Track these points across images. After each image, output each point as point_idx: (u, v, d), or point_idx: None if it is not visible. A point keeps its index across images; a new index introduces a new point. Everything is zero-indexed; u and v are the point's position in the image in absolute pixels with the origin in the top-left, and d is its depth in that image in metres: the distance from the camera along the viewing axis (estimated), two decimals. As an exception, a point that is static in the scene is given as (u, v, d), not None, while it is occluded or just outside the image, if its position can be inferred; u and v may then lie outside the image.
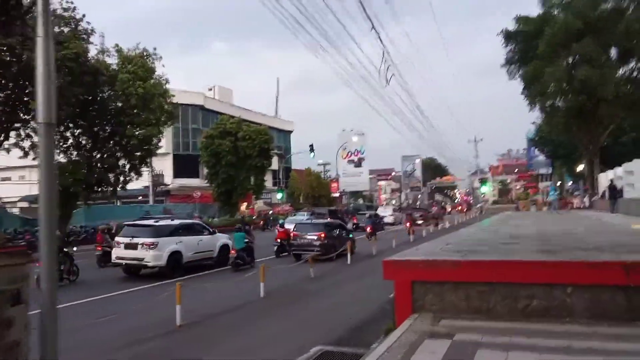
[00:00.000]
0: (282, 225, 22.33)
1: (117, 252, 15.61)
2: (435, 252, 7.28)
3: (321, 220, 23.75)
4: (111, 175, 27.34)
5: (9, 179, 48.51)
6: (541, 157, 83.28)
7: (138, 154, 28.02)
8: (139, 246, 14.90)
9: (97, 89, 25.08)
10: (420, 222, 39.54)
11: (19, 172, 47.74)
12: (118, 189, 28.37)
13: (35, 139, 24.83)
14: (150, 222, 17.13)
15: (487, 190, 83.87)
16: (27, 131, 24.05)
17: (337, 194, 67.60)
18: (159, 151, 48.39)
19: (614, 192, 21.98)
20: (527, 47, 32.49)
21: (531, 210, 42.08)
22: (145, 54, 27.42)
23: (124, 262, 15.25)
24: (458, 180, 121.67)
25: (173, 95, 29.25)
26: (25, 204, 39.55)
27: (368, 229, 25.74)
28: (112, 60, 26.80)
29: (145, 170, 35.59)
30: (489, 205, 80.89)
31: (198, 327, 8.76)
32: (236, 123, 40.36)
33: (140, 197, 46.57)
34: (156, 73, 27.98)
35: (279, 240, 20.74)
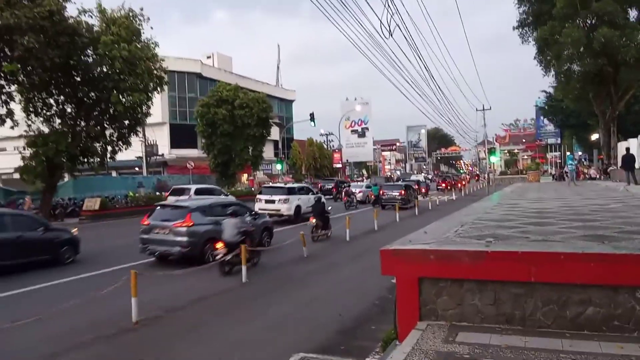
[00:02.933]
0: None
1: (259, 206, 20.84)
2: (449, 237, 5.67)
3: (399, 183, 36.16)
4: (98, 145, 25.72)
5: (4, 149, 47.06)
6: (550, 127, 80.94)
7: (126, 122, 26.38)
8: (276, 201, 21.05)
9: (77, 52, 23.20)
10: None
11: (14, 143, 46.24)
12: (107, 159, 26.78)
13: (13, 105, 23.20)
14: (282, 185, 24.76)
15: (496, 160, 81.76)
16: (3, 98, 22.38)
17: (339, 165, 65.98)
18: (154, 121, 47.03)
19: (631, 162, 20.06)
20: (541, 8, 30.25)
21: (541, 181, 40.35)
22: (131, 14, 25.39)
23: (266, 212, 18.68)
24: (463, 151, 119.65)
25: (163, 60, 27.29)
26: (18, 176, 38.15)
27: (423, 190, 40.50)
28: (95, 22, 24.86)
29: (138, 140, 34.02)
30: (497, 175, 79.09)
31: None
32: (233, 90, 38.37)
33: (137, 169, 45.13)
34: (144, 36, 26.08)
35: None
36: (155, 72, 26.26)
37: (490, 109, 76.08)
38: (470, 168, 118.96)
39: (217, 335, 6.56)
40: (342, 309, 7.57)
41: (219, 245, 10.27)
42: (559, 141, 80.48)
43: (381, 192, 30.48)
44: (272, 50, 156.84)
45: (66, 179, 31.12)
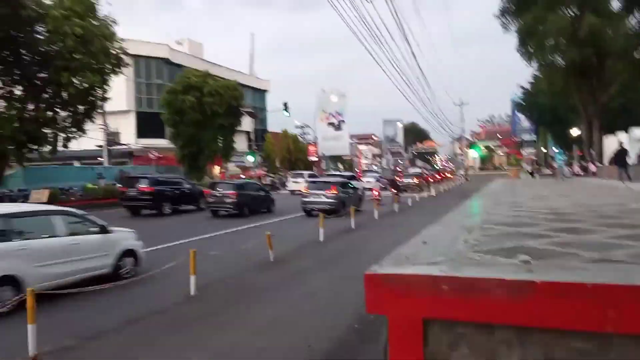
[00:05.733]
0: None
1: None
2: (461, 251, 3.99)
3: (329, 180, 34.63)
4: (48, 132, 23.39)
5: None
6: (525, 123, 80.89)
7: (81, 107, 24.11)
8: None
9: (23, 26, 20.85)
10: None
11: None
12: (59, 147, 24.43)
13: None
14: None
15: (477, 154, 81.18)
16: None
17: (315, 158, 64.29)
18: (119, 108, 44.55)
19: (624, 158, 18.74)
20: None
21: (521, 177, 39.46)
22: (85, -13, 23.10)
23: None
24: (439, 146, 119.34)
25: (122, 40, 25.08)
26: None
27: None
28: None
29: (97, 128, 31.63)
30: (475, 172, 78.65)
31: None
32: (202, 77, 36.16)
33: (99, 158, 42.52)
34: (101, 12, 23.87)
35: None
36: (112, 51, 24.07)
37: (468, 103, 75.36)
38: (444, 164, 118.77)
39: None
40: (311, 336, 5.89)
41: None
42: (534, 137, 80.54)
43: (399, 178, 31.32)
44: (247, 40, 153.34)
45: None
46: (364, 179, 39.06)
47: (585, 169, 31.20)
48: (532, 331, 2.74)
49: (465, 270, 3.15)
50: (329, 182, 22.74)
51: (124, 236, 9.69)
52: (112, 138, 37.95)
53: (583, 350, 2.62)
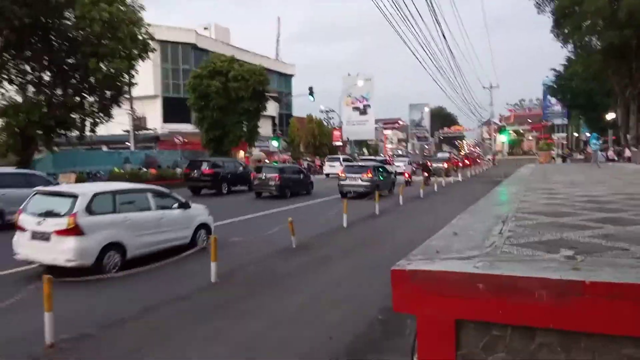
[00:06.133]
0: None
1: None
2: (496, 244, 3.72)
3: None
4: (76, 117, 23.66)
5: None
6: (557, 107, 78.53)
7: (108, 92, 24.30)
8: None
9: (51, 12, 21.01)
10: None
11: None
12: (87, 132, 24.73)
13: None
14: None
15: (506, 139, 79.08)
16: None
17: (339, 143, 63.84)
18: (146, 93, 44.89)
19: None
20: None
21: (552, 162, 38.38)
22: (112, -28, 23.07)
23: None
24: (467, 131, 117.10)
25: (149, 25, 25.09)
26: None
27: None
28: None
29: (125, 113, 31.93)
30: (504, 157, 76.84)
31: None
32: (227, 62, 36.01)
33: (127, 143, 43.07)
34: (130, -1, 23.87)
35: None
36: (139, 37, 24.11)
37: (498, 87, 73.42)
38: (472, 149, 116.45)
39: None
40: (333, 327, 5.71)
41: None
42: (565, 122, 78.21)
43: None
44: (274, 25, 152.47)
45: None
46: (396, 164, 40.03)
47: (619, 154, 30.09)
48: (578, 336, 2.49)
49: (503, 267, 2.90)
50: (365, 166, 23.85)
51: (199, 212, 10.84)
52: (139, 123, 38.29)
53: (635, 358, 2.37)
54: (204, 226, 10.66)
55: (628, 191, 7.73)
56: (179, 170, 31.28)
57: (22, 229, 8.38)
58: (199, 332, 5.64)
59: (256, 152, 50.02)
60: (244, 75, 35.54)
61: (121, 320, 6.08)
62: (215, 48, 49.47)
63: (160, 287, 7.67)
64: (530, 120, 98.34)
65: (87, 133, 24.72)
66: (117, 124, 34.31)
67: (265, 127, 49.39)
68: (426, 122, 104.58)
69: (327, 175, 37.47)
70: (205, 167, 24.77)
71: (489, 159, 69.15)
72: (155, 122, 46.05)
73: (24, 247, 8.34)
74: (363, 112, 77.62)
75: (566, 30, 28.54)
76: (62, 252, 7.87)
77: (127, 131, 36.60)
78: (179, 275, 8.30)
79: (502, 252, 3.39)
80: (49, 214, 8.24)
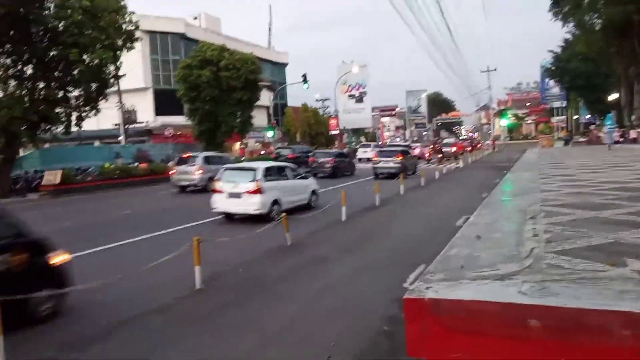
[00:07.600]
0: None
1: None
2: (539, 255, 2.89)
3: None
4: (60, 111, 22.71)
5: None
6: (555, 90, 77.45)
7: (93, 85, 23.31)
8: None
9: (27, 2, 19.97)
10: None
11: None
12: (72, 127, 23.77)
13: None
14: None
15: (506, 122, 78.12)
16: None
17: (336, 131, 62.86)
18: (137, 86, 43.80)
19: None
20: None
21: (555, 146, 37.55)
22: (92, -42, 21.97)
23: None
24: (464, 117, 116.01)
25: (133, 13, 24.03)
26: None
27: None
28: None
29: (114, 106, 30.91)
30: (504, 141, 75.77)
31: None
32: (218, 50, 34.91)
33: (118, 138, 42.10)
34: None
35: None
36: (124, 26, 23.09)
37: (496, 70, 72.26)
38: (470, 134, 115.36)
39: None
40: (332, 343, 4.91)
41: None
42: (564, 104, 77.19)
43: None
44: (265, 13, 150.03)
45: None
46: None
47: (623, 135, 29.27)
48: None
49: (561, 292, 2.07)
50: (396, 150, 27.91)
51: (312, 182, 15.50)
52: (129, 116, 37.26)
53: None
54: (314, 192, 15.11)
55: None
56: (171, 164, 30.35)
57: (220, 192, 12.72)
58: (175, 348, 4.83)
59: (252, 142, 49.09)
60: (235, 64, 34.56)
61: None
62: (205, 38, 48.21)
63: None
64: (528, 104, 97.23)
65: (73, 128, 23.77)
66: (108, 118, 33.38)
67: (259, 118, 48.40)
68: (423, 109, 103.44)
69: (360, 159, 42.87)
70: (288, 153, 31.82)
71: (488, 144, 68.27)
72: (147, 115, 44.98)
73: (222, 202, 12.68)
74: (359, 99, 76.59)
75: (566, 9, 27.53)
76: (251, 204, 12.25)
77: (118, 125, 35.61)
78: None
79: (549, 265, 2.56)
80: (239, 181, 12.53)
